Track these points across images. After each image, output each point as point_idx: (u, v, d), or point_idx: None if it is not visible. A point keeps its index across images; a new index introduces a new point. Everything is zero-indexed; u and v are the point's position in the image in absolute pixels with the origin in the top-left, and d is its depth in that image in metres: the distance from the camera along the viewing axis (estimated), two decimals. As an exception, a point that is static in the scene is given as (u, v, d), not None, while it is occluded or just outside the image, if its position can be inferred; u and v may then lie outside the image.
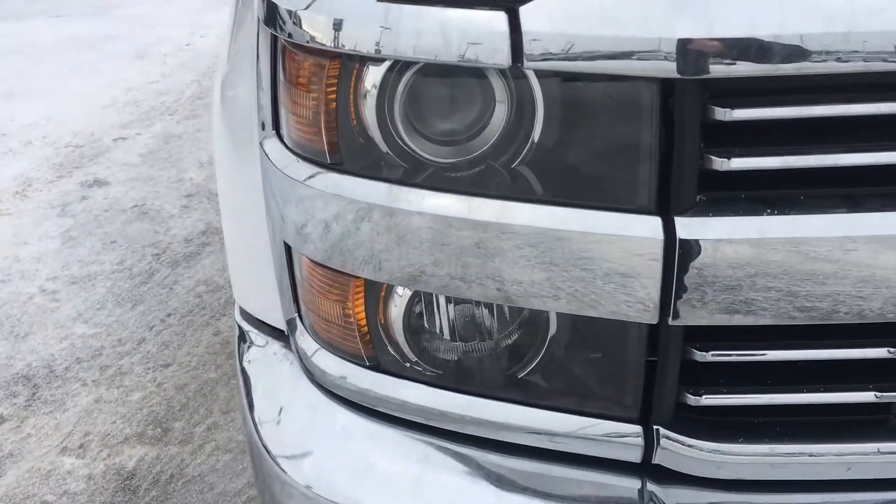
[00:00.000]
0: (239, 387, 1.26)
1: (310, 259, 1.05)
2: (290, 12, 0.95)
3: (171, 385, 2.70)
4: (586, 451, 1.02)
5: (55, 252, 3.52)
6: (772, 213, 0.86)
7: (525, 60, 0.84)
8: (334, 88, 0.95)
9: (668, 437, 0.98)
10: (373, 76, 0.92)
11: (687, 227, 0.86)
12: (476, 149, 0.92)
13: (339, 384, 1.11)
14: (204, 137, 4.61)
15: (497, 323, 1.03)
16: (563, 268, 0.91)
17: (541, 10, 0.83)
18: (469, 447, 1.07)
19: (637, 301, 0.91)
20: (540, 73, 0.87)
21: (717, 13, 0.80)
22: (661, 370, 0.96)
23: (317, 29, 0.93)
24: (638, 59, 0.82)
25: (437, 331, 1.04)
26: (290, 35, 0.96)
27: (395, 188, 0.94)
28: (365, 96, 0.93)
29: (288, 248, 1.11)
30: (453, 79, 0.91)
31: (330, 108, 0.96)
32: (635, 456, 1.00)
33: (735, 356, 0.95)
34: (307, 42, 0.94)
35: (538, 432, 1.03)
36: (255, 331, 1.28)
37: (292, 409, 1.17)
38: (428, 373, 1.05)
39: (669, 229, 0.87)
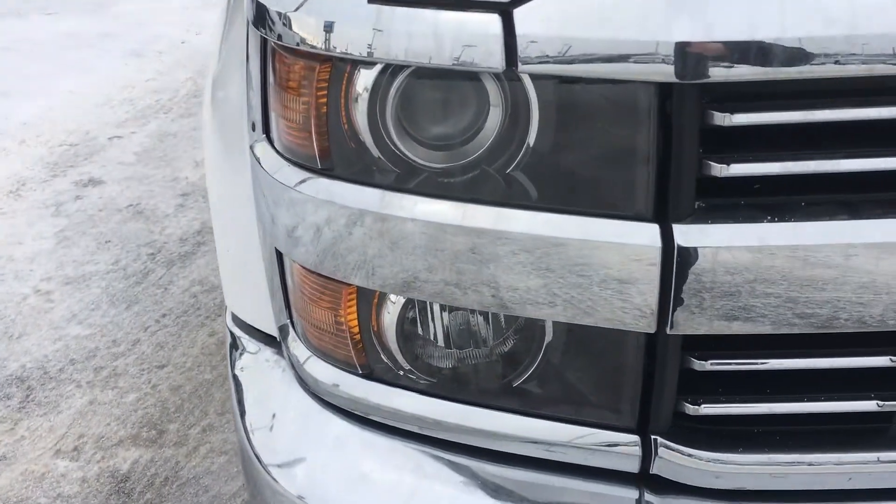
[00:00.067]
0: (231, 394, 1.24)
1: (301, 265, 1.03)
2: (279, 14, 0.94)
3: (166, 386, 2.68)
4: (583, 461, 1.00)
5: (49, 252, 3.50)
6: (772, 221, 0.84)
7: (519, 64, 0.82)
8: (325, 92, 0.93)
9: (666, 447, 0.96)
10: (364, 79, 0.90)
11: (685, 234, 0.85)
12: (470, 153, 0.91)
13: (331, 392, 1.09)
14: (199, 136, 4.58)
15: (492, 330, 1.01)
16: (560, 274, 0.89)
17: (535, 13, 0.81)
18: (465, 456, 1.05)
19: (634, 308, 0.89)
20: (535, 77, 0.85)
21: (717, 15, 0.78)
22: (659, 379, 0.94)
23: (307, 31, 0.91)
24: (635, 62, 0.80)
25: (431, 338, 1.02)
26: (279, 37, 0.94)
27: (388, 194, 0.92)
28: (356, 100, 0.91)
29: (279, 254, 1.09)
30: (446, 82, 0.89)
31: (320, 111, 0.94)
32: (633, 466, 0.99)
33: (735, 365, 0.93)
34: (297, 44, 0.92)
35: (534, 442, 1.01)
36: (247, 337, 1.26)
37: (284, 417, 1.15)
38: (422, 381, 1.04)
39: (667, 237, 0.85)
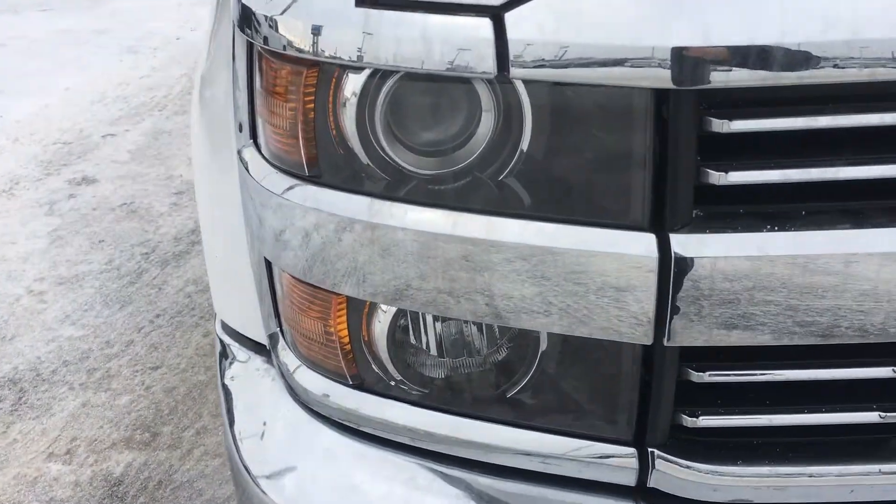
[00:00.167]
0: (220, 402, 1.21)
1: (289, 274, 1.01)
2: (265, 17, 0.91)
3: (160, 388, 2.66)
4: (579, 474, 0.98)
5: (42, 252, 3.47)
6: (772, 230, 0.82)
7: (511, 68, 0.80)
8: (312, 97, 0.91)
9: (663, 460, 0.94)
10: (352, 84, 0.88)
11: (683, 244, 0.82)
12: (461, 160, 0.88)
13: (321, 403, 1.07)
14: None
15: (486, 338, 0.99)
16: (555, 282, 0.87)
17: (527, 17, 0.78)
18: (458, 469, 1.03)
19: (630, 317, 0.86)
20: (527, 82, 0.83)
21: (714, 20, 0.75)
22: (656, 390, 0.92)
23: (294, 35, 0.89)
24: (630, 67, 0.77)
25: (423, 347, 1.00)
26: (265, 40, 0.92)
27: (377, 202, 0.90)
28: (344, 105, 0.89)
29: (268, 261, 1.07)
30: (437, 86, 0.87)
31: (308, 117, 0.91)
32: (629, 479, 0.97)
33: (734, 376, 0.91)
34: (284, 49, 0.90)
35: (529, 454, 0.99)
36: (237, 345, 1.24)
37: (274, 427, 1.13)
38: (413, 392, 1.01)
39: (664, 247, 0.83)
